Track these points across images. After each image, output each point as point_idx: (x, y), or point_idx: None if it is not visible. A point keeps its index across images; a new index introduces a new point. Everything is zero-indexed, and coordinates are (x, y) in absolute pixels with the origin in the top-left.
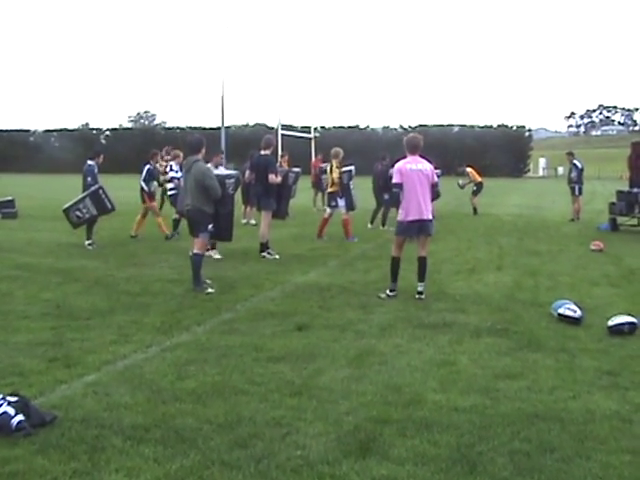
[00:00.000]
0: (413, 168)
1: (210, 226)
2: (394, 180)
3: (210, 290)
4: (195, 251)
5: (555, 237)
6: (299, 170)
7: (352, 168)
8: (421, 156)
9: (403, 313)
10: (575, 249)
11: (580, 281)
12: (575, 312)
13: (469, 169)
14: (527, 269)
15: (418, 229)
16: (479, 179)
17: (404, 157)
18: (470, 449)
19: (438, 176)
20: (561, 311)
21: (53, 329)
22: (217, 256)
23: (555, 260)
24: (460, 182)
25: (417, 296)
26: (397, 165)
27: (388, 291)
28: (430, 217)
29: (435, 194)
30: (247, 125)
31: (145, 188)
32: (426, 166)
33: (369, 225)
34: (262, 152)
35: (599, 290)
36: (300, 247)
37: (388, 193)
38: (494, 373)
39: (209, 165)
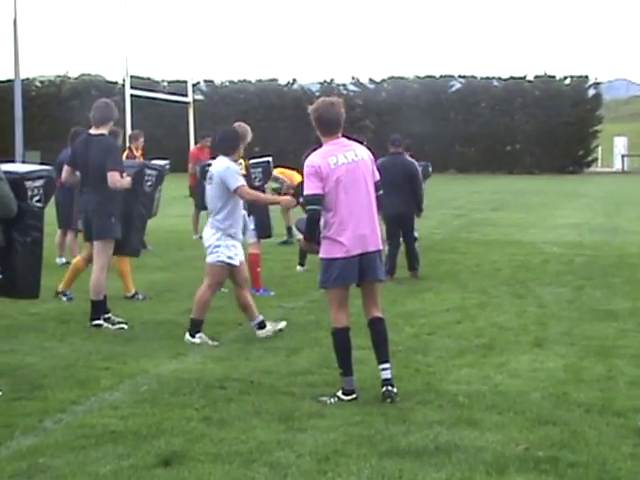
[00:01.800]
0: (341, 162)
1: None
2: (308, 191)
3: None
4: None
5: None
6: (166, 164)
7: (268, 160)
8: (348, 137)
9: (360, 429)
10: None
11: None
12: None
13: None
14: (592, 345)
15: (360, 270)
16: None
17: (317, 146)
18: None
19: (428, 172)
20: None
21: None
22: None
23: None
24: None
25: (385, 389)
26: (309, 162)
27: (340, 393)
28: (380, 246)
29: (379, 202)
30: (66, 77)
31: None
32: (362, 154)
33: (298, 267)
34: (93, 131)
35: None
36: (169, 308)
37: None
38: None
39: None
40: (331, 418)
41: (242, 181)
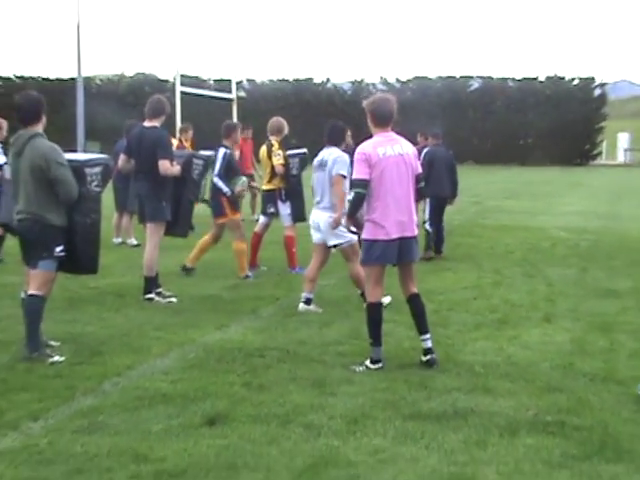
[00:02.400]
0: (389, 153)
1: (59, 249)
2: (357, 175)
3: (57, 358)
4: (32, 291)
5: None
6: (211, 154)
7: (304, 151)
8: (396, 132)
9: (385, 394)
10: None
11: None
12: None
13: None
14: (596, 320)
15: (399, 252)
16: None
17: (368, 136)
18: None
19: (451, 160)
20: None
21: None
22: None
23: None
24: None
25: (425, 358)
26: (360, 149)
27: (368, 362)
28: (416, 232)
29: (419, 193)
30: (122, 76)
31: None
32: (407, 149)
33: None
34: (147, 123)
35: None
36: (214, 284)
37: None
38: None
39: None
40: (359, 384)
41: (346, 171)
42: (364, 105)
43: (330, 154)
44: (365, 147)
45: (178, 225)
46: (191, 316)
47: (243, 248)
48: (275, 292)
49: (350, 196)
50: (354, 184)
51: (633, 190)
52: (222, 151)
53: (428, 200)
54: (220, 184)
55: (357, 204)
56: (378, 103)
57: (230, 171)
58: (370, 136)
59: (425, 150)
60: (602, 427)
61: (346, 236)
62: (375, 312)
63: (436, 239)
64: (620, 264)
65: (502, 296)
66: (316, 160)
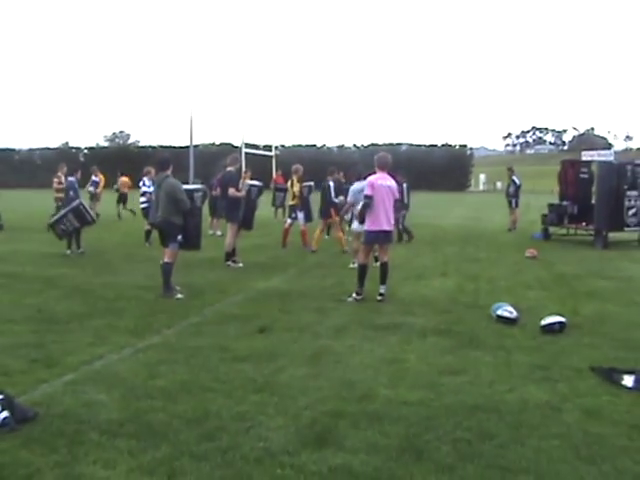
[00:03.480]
0: (383, 184)
1: (179, 236)
2: (366, 192)
3: (179, 296)
4: (166, 260)
5: (494, 245)
6: (261, 184)
7: (311, 183)
8: (388, 173)
9: (356, 316)
10: (512, 256)
11: (516, 285)
12: (512, 313)
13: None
14: (469, 275)
15: (384, 238)
16: None
17: (373, 173)
18: (417, 438)
19: (407, 189)
20: (499, 312)
21: (35, 332)
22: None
23: (494, 266)
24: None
25: (379, 298)
26: (369, 179)
27: (355, 294)
28: (392, 227)
29: (397, 207)
30: (214, 144)
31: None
32: (392, 183)
33: (326, 236)
34: (228, 168)
35: (533, 293)
36: (262, 255)
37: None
38: (438, 369)
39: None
40: (342, 310)
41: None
42: (375, 157)
43: (358, 184)
44: (371, 179)
45: (247, 223)
46: (250, 273)
47: (340, 236)
48: (295, 260)
49: (361, 204)
50: (365, 197)
51: (488, 205)
52: (331, 182)
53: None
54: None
55: (364, 210)
56: (382, 156)
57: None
58: (372, 173)
59: (406, 185)
60: (470, 331)
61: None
62: (363, 268)
63: (408, 232)
64: (482, 244)
65: (419, 262)
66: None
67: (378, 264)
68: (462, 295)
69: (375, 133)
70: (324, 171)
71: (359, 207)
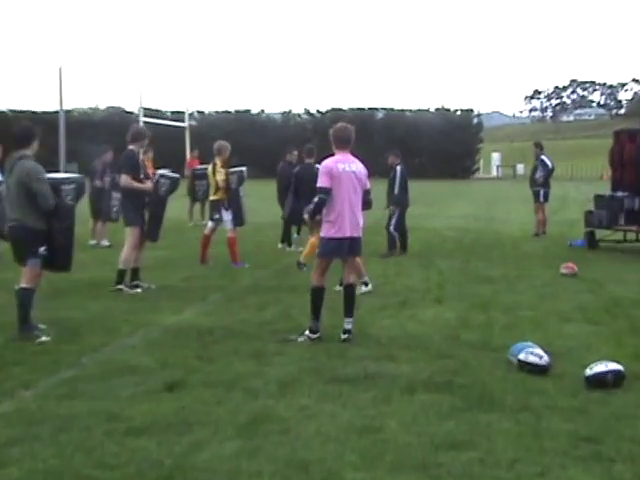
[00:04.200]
0: (346, 169)
1: (42, 248)
2: (321, 183)
3: (44, 338)
4: (22, 285)
5: (513, 258)
6: (177, 175)
7: (243, 169)
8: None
9: (310, 363)
10: (540, 273)
11: (547, 316)
12: (540, 358)
13: None
14: (476, 301)
15: (349, 248)
16: None
17: (329, 155)
18: None
19: (402, 175)
20: (522, 357)
21: None
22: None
23: (513, 289)
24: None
25: (344, 336)
26: (325, 164)
27: (308, 332)
28: (361, 234)
29: (367, 203)
30: (96, 108)
31: None
32: (360, 167)
33: (279, 245)
34: (129, 147)
35: (572, 328)
36: (170, 276)
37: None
38: (434, 442)
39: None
40: (289, 355)
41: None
42: (330, 131)
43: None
44: (328, 162)
45: (151, 232)
46: (153, 302)
47: (313, 242)
48: (221, 282)
49: (315, 200)
50: (319, 191)
51: (504, 198)
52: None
53: (399, 209)
54: None
55: (319, 207)
56: (340, 130)
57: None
58: (331, 154)
59: (398, 167)
60: (480, 385)
61: None
62: (319, 294)
63: (403, 240)
64: (496, 256)
65: (403, 282)
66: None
67: (341, 288)
68: (467, 331)
69: (339, 95)
70: (263, 149)
71: (311, 206)
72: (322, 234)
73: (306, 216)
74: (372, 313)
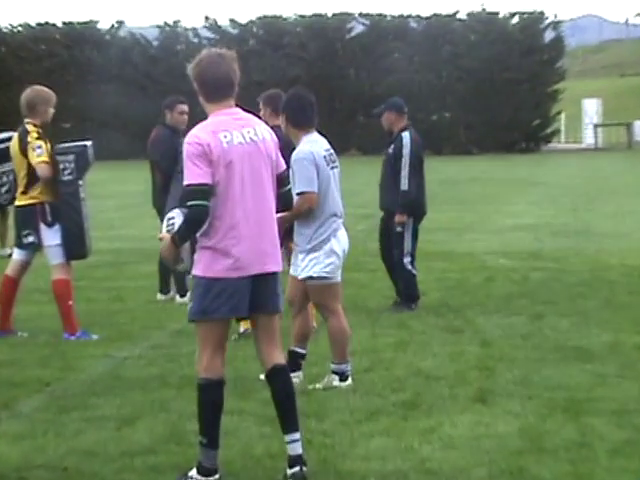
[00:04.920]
0: (237, 141)
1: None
2: (192, 179)
3: None
4: None
5: (630, 309)
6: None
7: (87, 144)
8: (246, 110)
9: None
10: None
11: None
12: None
13: None
14: (558, 398)
15: (256, 297)
16: None
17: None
18: None
19: (412, 149)
20: None
21: None
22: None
23: (634, 373)
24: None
25: (290, 472)
26: (192, 139)
27: (195, 473)
28: (280, 262)
29: (284, 199)
30: None
31: None
32: (263, 131)
33: (158, 295)
34: None
35: None
36: None
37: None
38: None
39: None
40: None
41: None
42: (188, 70)
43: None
44: (199, 134)
45: None
46: None
47: None
48: (42, 373)
49: (180, 214)
50: (189, 193)
51: (609, 189)
52: None
53: (412, 220)
54: None
55: (194, 226)
56: (206, 64)
57: None
58: (204, 118)
59: (405, 134)
60: None
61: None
62: (212, 395)
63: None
64: (593, 307)
65: (410, 364)
66: (322, 153)
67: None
68: (541, 460)
69: None
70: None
71: (177, 223)
72: (197, 272)
73: (166, 246)
74: (350, 426)
